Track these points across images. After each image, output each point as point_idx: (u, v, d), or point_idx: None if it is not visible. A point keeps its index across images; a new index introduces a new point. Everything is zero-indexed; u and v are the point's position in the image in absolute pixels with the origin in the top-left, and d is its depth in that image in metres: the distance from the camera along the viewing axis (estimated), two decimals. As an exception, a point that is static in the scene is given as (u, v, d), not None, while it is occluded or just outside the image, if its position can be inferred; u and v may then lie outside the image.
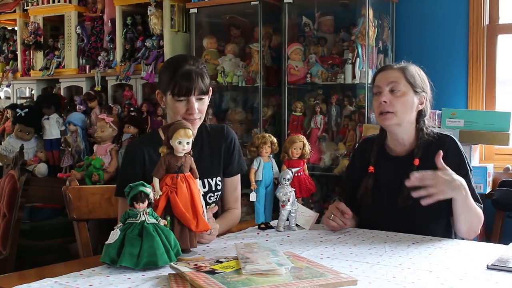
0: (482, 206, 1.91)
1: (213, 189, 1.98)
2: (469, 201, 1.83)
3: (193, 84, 1.86)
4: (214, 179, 1.99)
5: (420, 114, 2.00)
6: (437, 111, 2.86)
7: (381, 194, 1.99)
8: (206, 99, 1.95)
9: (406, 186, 1.88)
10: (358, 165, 2.11)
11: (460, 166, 1.92)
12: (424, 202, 1.76)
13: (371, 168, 2.02)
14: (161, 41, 3.58)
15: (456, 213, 1.85)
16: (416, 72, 1.99)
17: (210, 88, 1.97)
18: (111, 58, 3.84)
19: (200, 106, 1.91)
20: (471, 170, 1.96)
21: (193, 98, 1.88)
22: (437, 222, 1.93)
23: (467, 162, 1.95)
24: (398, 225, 1.90)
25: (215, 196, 2.00)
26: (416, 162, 1.94)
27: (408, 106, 1.94)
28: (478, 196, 1.93)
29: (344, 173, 2.33)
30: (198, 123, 1.95)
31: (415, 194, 1.77)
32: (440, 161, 1.79)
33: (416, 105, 1.97)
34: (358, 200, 2.03)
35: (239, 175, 2.09)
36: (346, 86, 3.21)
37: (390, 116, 1.94)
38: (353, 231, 1.91)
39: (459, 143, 1.98)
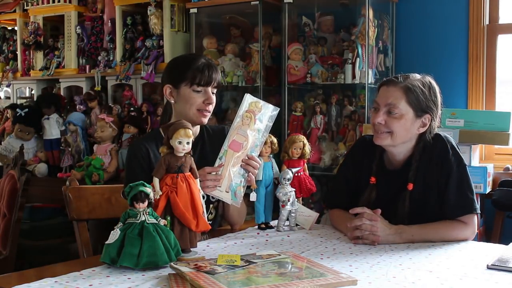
0: (475, 213, 1.79)
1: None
2: (424, 233, 1.75)
3: (213, 75, 1.94)
4: None
5: (424, 133, 1.85)
6: (437, 111, 2.86)
7: (379, 207, 1.87)
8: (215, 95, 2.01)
9: (400, 204, 1.83)
10: (354, 167, 2.00)
11: (444, 164, 1.80)
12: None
13: (372, 180, 1.91)
14: (161, 41, 3.58)
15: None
16: (423, 90, 1.81)
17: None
18: (111, 58, 3.84)
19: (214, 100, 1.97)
20: (464, 166, 1.81)
21: (210, 89, 1.95)
22: None
23: (457, 162, 1.81)
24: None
25: None
26: (411, 181, 1.83)
27: (405, 129, 1.81)
28: (474, 202, 1.80)
29: (337, 173, 2.14)
30: (208, 117, 1.99)
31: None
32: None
33: (417, 128, 1.83)
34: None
35: None
36: (346, 86, 3.21)
37: (384, 136, 1.82)
38: (353, 231, 1.90)
39: (450, 142, 1.84)
